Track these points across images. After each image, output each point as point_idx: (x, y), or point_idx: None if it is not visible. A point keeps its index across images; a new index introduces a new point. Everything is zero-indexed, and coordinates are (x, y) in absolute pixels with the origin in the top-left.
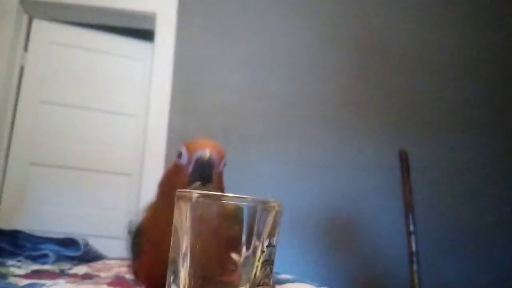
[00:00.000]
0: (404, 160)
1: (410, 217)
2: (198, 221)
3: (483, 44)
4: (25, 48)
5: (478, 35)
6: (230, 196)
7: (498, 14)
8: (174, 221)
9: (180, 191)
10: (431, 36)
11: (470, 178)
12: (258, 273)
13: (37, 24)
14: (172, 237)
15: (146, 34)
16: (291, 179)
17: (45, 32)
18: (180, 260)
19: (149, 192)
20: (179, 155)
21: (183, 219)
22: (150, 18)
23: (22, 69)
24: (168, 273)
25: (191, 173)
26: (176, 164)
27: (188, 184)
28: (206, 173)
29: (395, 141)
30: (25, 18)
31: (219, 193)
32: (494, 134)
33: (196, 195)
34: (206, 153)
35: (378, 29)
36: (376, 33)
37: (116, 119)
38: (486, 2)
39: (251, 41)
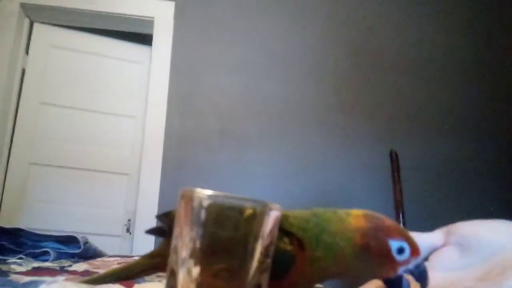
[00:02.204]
0: (394, 160)
1: (401, 216)
2: (204, 222)
3: (474, 46)
4: (26, 51)
5: (470, 37)
6: (230, 197)
7: (492, 17)
8: (176, 222)
9: (184, 189)
10: (422, 38)
11: (460, 178)
12: (255, 276)
13: (38, 28)
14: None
15: (144, 38)
16: (284, 179)
17: (46, 35)
18: (180, 262)
19: (146, 191)
20: (400, 250)
21: (185, 219)
22: (148, 22)
23: (23, 72)
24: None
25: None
26: (388, 254)
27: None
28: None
29: (386, 141)
30: (26, 22)
31: (221, 194)
32: (484, 135)
33: (199, 194)
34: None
35: (369, 32)
36: (367, 35)
37: (114, 121)
38: (480, 5)
39: (246, 45)
